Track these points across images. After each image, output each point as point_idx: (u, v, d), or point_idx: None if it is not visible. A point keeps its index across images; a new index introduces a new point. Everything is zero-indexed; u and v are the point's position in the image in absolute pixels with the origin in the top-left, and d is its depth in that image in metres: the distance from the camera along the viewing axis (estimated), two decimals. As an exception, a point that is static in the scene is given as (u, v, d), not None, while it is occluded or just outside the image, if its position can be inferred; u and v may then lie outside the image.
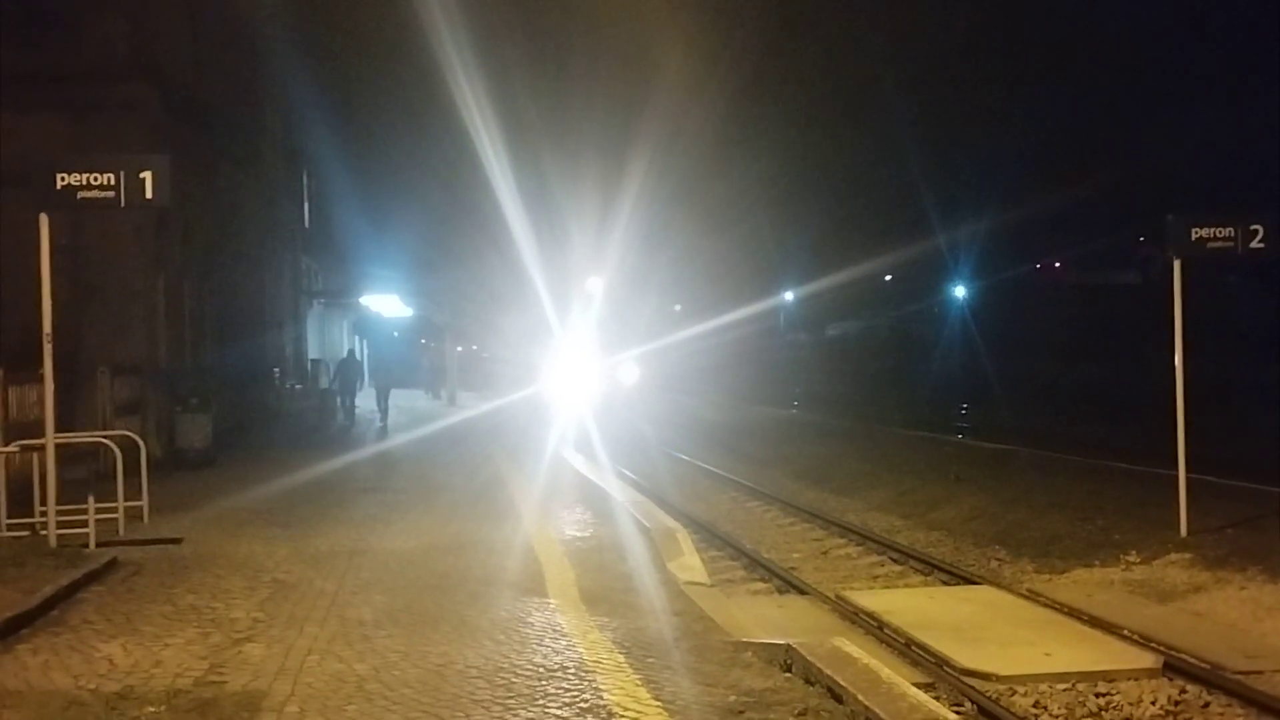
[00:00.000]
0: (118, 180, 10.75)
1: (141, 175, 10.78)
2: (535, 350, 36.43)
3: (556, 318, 33.13)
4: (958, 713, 8.03)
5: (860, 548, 15.46)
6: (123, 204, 10.96)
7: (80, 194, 10.78)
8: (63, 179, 10.76)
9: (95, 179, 10.74)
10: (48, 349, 11.07)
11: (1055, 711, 8.64)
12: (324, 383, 34.71)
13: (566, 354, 32.69)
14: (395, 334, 62.26)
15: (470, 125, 30.32)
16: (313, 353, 39.42)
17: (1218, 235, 13.30)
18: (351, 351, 36.38)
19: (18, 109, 18.25)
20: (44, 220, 10.91)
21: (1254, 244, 13.29)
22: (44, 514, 11.63)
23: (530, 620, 8.75)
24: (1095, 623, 10.57)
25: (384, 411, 31.94)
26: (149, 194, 10.86)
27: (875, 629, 10.73)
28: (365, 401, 33.15)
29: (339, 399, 31.82)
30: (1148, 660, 9.41)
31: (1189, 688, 8.92)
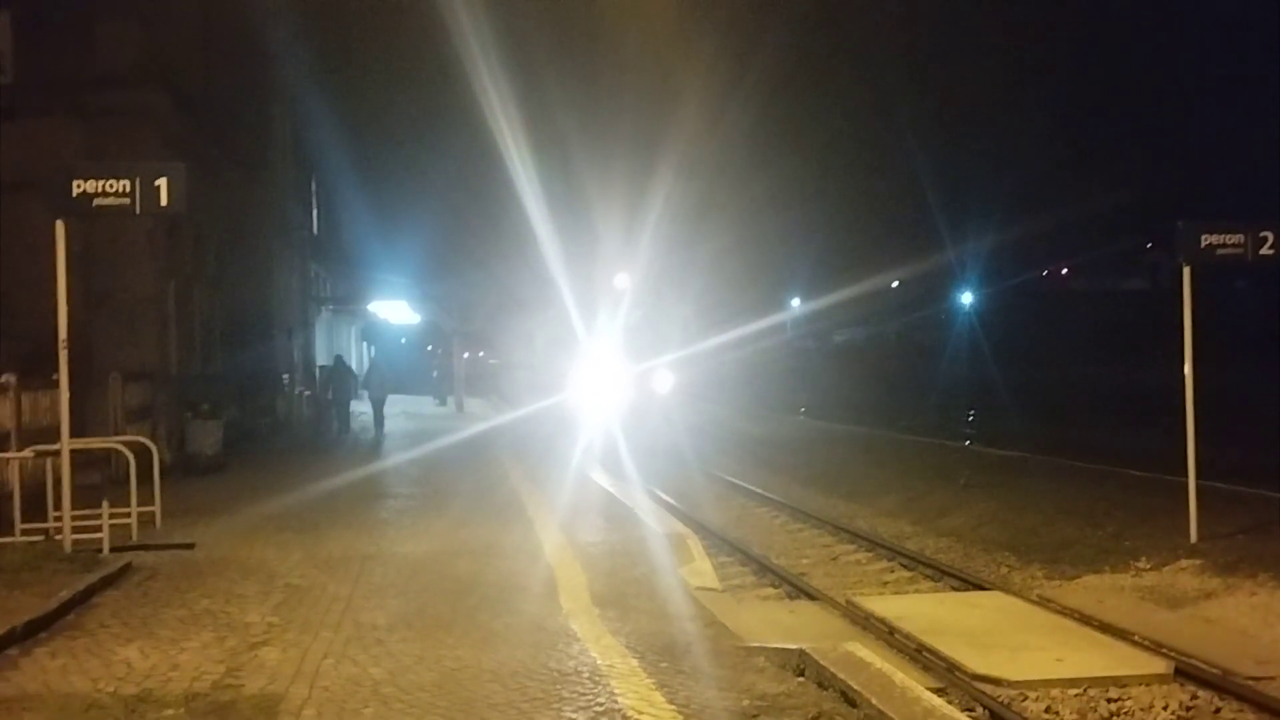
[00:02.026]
0: (133, 187, 10.81)
1: (156, 183, 10.85)
2: (556, 356, 33.17)
3: (580, 321, 30.13)
4: (970, 718, 8.06)
5: (870, 554, 15.48)
6: (138, 211, 11.01)
7: (96, 201, 10.84)
8: (79, 186, 10.81)
9: (111, 186, 10.80)
10: (63, 355, 11.12)
11: (1067, 717, 8.66)
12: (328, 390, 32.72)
13: (592, 360, 29.51)
14: (403, 340, 62.45)
15: (489, 124, 29.94)
16: (321, 359, 39.50)
17: (1227, 242, 13.30)
18: (340, 357, 33.83)
19: (30, 114, 18.38)
20: (60, 227, 10.98)
21: (1264, 250, 13.28)
22: (58, 519, 11.69)
23: (543, 625, 8.78)
24: (1106, 628, 10.58)
25: (380, 421, 30.01)
26: (164, 201, 10.92)
27: (886, 634, 10.75)
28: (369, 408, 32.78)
29: (333, 408, 30.02)
30: (1159, 666, 9.43)
31: (1200, 693, 8.94)
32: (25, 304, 17.69)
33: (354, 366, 42.30)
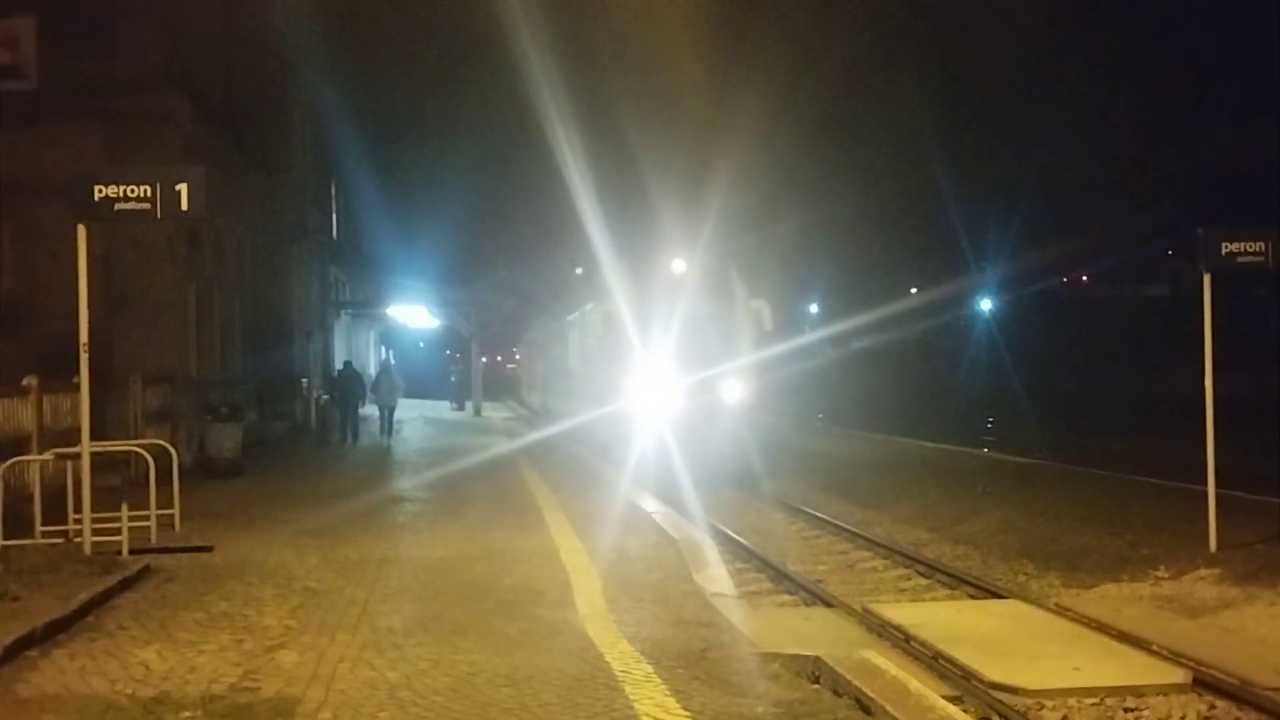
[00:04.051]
0: (154, 192, 10.86)
1: (177, 187, 10.90)
2: (596, 360, 26.36)
3: (629, 320, 23.20)
4: (986, 726, 8.03)
5: (887, 561, 15.44)
6: (159, 216, 11.07)
7: (117, 205, 10.90)
8: (100, 190, 10.87)
9: (132, 191, 10.85)
10: (84, 358, 11.18)
11: (1083, 726, 8.62)
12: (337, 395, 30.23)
13: (643, 365, 22.89)
14: (421, 344, 62.61)
15: (521, 113, 29.09)
16: (340, 364, 39.67)
17: (1248, 249, 13.20)
18: (348, 362, 32.47)
19: (53, 119, 18.52)
20: (82, 231, 11.05)
21: (1285, 258, 13.19)
22: (78, 521, 11.76)
23: (559, 630, 8.80)
24: (1124, 638, 10.52)
25: (388, 429, 29.17)
26: (184, 205, 10.97)
27: (902, 642, 10.72)
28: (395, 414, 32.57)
29: (340, 416, 28.46)
30: (1177, 675, 9.37)
31: (1218, 703, 8.89)
32: (47, 307, 17.83)
33: (373, 370, 42.43)
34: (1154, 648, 10.17)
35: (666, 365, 22.44)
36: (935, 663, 9.96)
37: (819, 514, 19.24)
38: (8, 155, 18.58)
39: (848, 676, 7.17)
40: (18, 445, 13.53)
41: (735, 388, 22.77)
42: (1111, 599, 12.37)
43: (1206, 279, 13.41)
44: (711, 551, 12.32)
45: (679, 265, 23.67)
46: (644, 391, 22.51)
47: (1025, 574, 14.32)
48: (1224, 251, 13.22)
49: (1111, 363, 57.06)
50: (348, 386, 29.08)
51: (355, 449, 27.05)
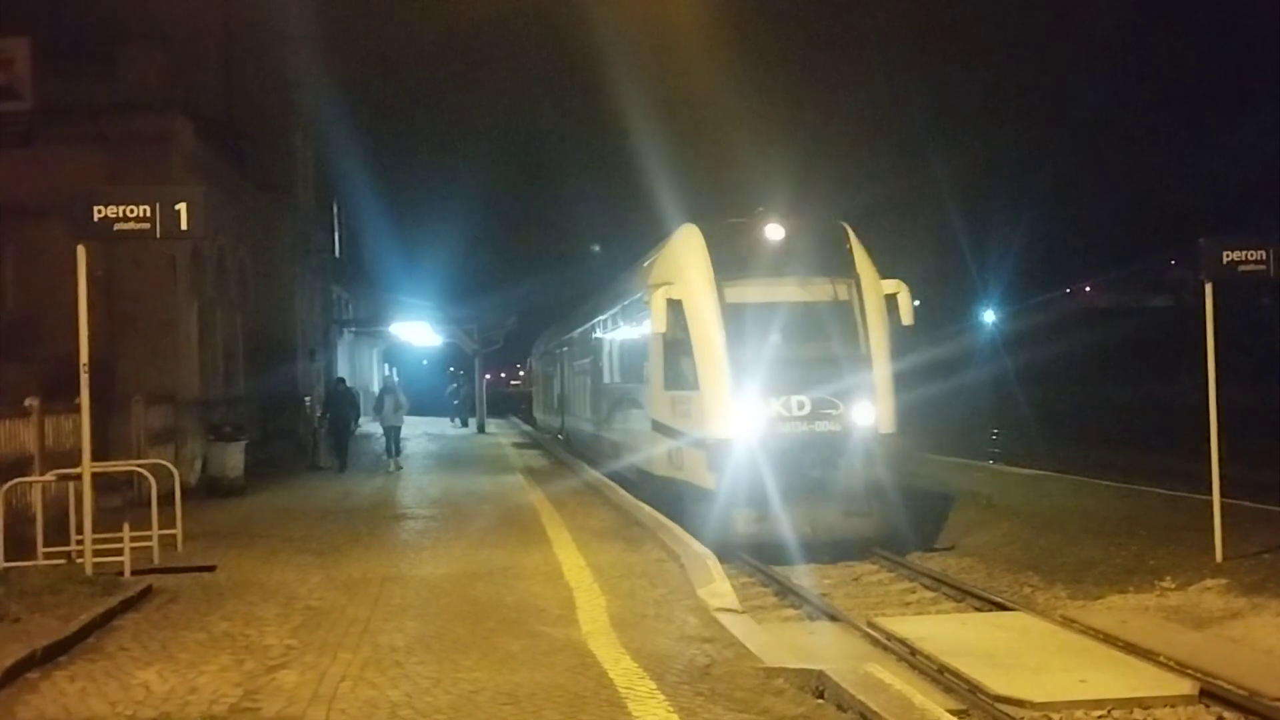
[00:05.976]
0: (153, 212, 10.87)
1: (177, 207, 10.91)
2: (673, 370, 17.07)
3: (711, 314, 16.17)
4: (992, 740, 7.97)
5: (892, 574, 15.37)
6: (159, 235, 11.08)
7: (117, 226, 10.91)
8: (99, 211, 10.88)
9: (131, 211, 10.86)
10: (84, 379, 11.18)
11: (1090, 739, 8.56)
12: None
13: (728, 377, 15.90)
14: (424, 362, 62.66)
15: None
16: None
17: (1249, 258, 13.18)
18: (341, 379, 29.96)
19: (54, 141, 18.57)
20: (81, 252, 11.05)
21: (1287, 267, 13.17)
22: (80, 542, 11.74)
23: (562, 647, 8.76)
24: (1130, 649, 10.47)
25: (394, 451, 25.66)
26: (184, 225, 10.98)
27: (907, 656, 10.67)
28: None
29: (332, 438, 25.65)
30: (1184, 687, 9.31)
31: (1225, 714, 8.83)
32: (49, 328, 17.86)
33: (375, 389, 42.38)
34: (1160, 659, 10.11)
35: (759, 376, 15.87)
36: (940, 676, 9.91)
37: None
38: (9, 177, 18.66)
39: (852, 691, 7.11)
40: (20, 466, 13.53)
41: (865, 409, 16.10)
42: (1117, 610, 12.31)
43: (1208, 288, 13.39)
44: (715, 566, 12.25)
45: (775, 231, 16.92)
46: (722, 414, 15.87)
47: (1031, 586, 14.25)
48: (1225, 260, 13.20)
49: (1116, 373, 56.93)
50: (340, 406, 26.05)
51: (351, 475, 24.10)
